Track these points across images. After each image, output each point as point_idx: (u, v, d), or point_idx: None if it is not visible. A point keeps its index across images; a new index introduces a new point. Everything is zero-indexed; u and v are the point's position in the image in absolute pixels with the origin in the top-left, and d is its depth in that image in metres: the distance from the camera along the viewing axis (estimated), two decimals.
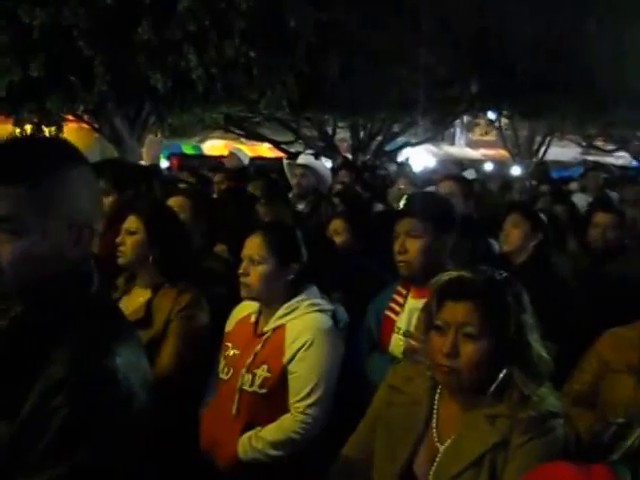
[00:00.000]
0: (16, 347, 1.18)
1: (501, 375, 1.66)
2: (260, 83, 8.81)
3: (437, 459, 1.69)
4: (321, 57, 9.64)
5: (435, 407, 1.75)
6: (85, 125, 11.16)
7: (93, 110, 9.34)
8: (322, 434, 2.29)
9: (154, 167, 5.55)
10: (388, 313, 2.55)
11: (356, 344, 2.56)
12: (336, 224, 3.64)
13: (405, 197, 2.63)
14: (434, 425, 1.74)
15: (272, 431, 2.32)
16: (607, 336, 2.33)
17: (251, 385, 2.36)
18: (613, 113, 13.27)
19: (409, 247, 2.46)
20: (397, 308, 2.53)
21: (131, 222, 2.71)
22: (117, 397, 1.16)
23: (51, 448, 1.10)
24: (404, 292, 2.54)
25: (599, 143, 19.62)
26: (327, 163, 12.29)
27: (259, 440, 2.31)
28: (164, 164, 12.83)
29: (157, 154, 11.63)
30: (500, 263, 3.25)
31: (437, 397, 1.76)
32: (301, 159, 5.56)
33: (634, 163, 18.26)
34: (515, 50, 11.29)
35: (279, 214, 3.68)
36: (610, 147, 19.63)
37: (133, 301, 2.68)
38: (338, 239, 3.55)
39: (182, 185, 5.15)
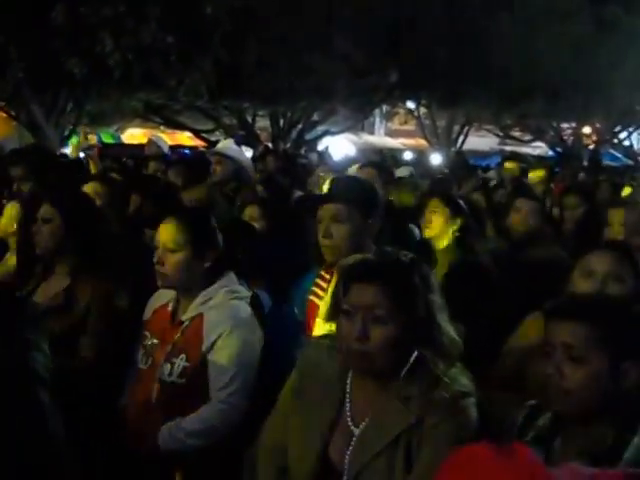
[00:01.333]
0: None
1: (412, 357, 1.67)
2: (177, 69, 8.60)
3: (352, 443, 1.68)
4: (238, 45, 9.50)
5: (348, 391, 1.74)
6: (1, 113, 10.65)
7: (9, 97, 8.91)
8: (245, 422, 2.25)
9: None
10: (312, 298, 2.52)
11: (281, 330, 2.53)
12: (251, 211, 3.59)
13: (329, 181, 2.58)
14: (348, 409, 1.72)
15: (192, 421, 2.28)
16: (529, 320, 2.36)
17: (170, 375, 2.30)
18: (528, 104, 13.70)
19: (334, 232, 2.43)
20: (321, 293, 2.50)
21: (45, 210, 2.62)
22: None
23: None
24: (327, 277, 2.51)
25: (516, 133, 20.19)
26: (248, 152, 12.18)
27: (179, 430, 2.27)
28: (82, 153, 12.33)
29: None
30: (422, 249, 3.29)
31: (349, 381, 1.75)
32: (218, 146, 5.48)
33: (550, 153, 18.96)
34: (433, 39, 11.48)
35: (201, 196, 3.57)
36: (527, 137, 20.28)
37: (51, 288, 2.61)
38: (256, 224, 3.50)
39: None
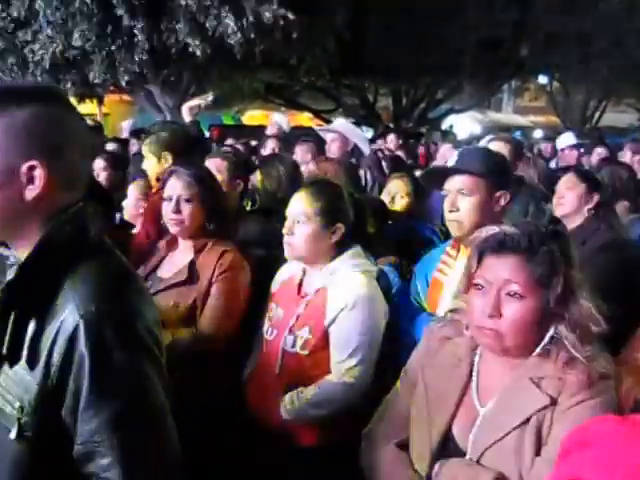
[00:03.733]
0: (21, 295, 1.16)
1: (548, 335, 1.56)
2: (299, 48, 8.61)
3: (478, 423, 1.61)
4: (362, 21, 9.37)
5: (475, 368, 1.66)
6: (125, 97, 11.14)
7: (132, 80, 9.31)
8: (367, 396, 2.21)
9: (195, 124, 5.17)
10: (437, 274, 2.44)
11: (405, 306, 2.47)
12: (399, 185, 3.51)
13: (457, 153, 2.46)
14: (474, 387, 1.65)
15: (314, 391, 2.28)
16: None
17: (293, 346, 2.32)
18: None
19: (460, 205, 2.33)
20: (446, 269, 2.42)
21: (187, 189, 2.60)
22: (129, 337, 1.15)
23: (87, 403, 1.11)
24: (453, 253, 2.42)
25: None
26: (368, 132, 12.07)
27: (301, 399, 2.28)
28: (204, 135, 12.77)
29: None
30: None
31: (477, 358, 1.67)
32: (331, 124, 5.41)
33: None
34: (565, 6, 10.78)
35: (331, 172, 3.54)
36: None
37: (176, 263, 2.65)
38: (400, 201, 3.44)
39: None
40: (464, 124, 14.88)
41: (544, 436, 1.52)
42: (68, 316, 1.11)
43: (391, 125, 13.78)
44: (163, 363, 1.21)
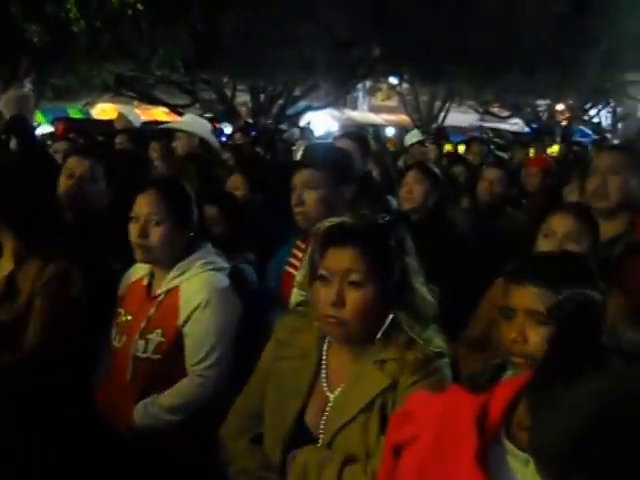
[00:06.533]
0: None
1: (387, 320, 1.65)
2: (150, 39, 8.30)
3: (328, 409, 1.68)
4: (217, 14, 9.21)
5: (324, 358, 1.74)
6: None
7: None
8: (223, 394, 2.17)
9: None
10: (288, 268, 2.48)
11: (261, 302, 2.48)
12: (234, 180, 3.49)
13: (302, 148, 2.51)
14: (324, 376, 1.72)
15: (169, 396, 2.21)
16: (498, 283, 2.37)
17: (144, 351, 2.23)
18: (507, 79, 13.75)
19: (305, 198, 2.38)
20: (297, 263, 2.46)
21: None
22: None
23: None
24: (303, 246, 2.46)
25: (495, 109, 20.38)
26: (227, 128, 11.92)
27: (155, 406, 2.20)
28: (48, 129, 11.89)
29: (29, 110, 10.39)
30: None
31: (326, 347, 1.74)
32: (180, 119, 5.27)
33: (527, 129, 19.07)
34: (415, 13, 11.35)
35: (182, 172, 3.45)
36: (505, 114, 20.44)
37: None
38: (237, 194, 3.41)
39: None
40: (322, 121, 15.22)
41: (388, 415, 1.59)
42: None
43: (250, 121, 13.74)
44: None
